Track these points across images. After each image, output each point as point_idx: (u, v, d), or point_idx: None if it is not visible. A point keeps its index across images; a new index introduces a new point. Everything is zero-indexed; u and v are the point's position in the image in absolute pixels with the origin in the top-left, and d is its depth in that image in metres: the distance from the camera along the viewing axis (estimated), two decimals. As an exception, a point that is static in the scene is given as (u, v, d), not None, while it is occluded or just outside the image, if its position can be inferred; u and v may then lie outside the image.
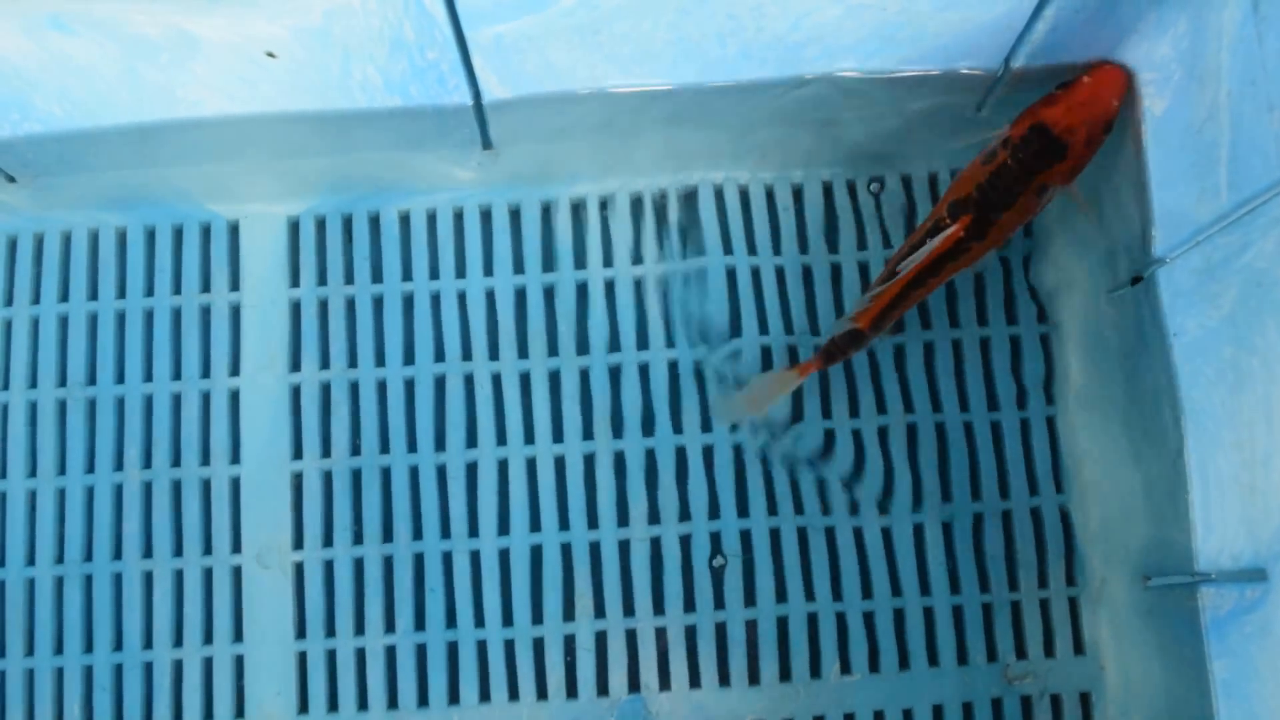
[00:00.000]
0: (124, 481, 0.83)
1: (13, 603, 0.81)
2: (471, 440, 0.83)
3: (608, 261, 0.85)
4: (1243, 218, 0.63)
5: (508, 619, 0.81)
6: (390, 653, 0.81)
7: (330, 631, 0.81)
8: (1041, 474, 0.83)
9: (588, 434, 0.83)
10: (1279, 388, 0.62)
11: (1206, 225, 0.66)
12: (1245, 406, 0.64)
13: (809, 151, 0.85)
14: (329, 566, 0.82)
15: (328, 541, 0.82)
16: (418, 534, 0.82)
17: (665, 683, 0.81)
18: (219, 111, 0.75)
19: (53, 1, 0.65)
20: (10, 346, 0.84)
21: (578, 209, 0.86)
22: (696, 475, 0.82)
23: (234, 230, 0.86)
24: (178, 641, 0.81)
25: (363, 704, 0.81)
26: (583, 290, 0.85)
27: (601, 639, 0.81)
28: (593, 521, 0.82)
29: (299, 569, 0.82)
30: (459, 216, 0.86)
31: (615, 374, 0.84)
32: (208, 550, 0.82)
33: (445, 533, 0.82)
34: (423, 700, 0.81)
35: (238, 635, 0.81)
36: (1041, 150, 0.71)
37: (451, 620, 0.81)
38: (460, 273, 0.85)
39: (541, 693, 0.81)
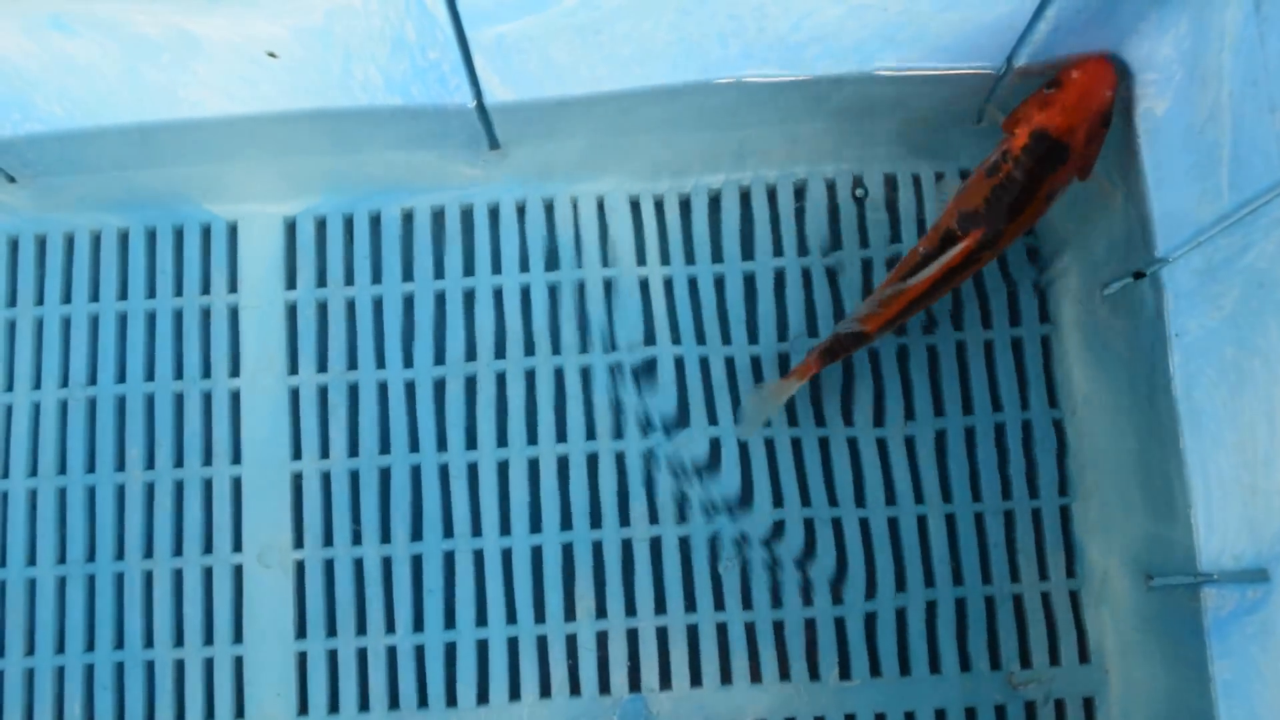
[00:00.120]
0: (125, 481, 0.83)
1: (13, 602, 0.81)
2: (471, 441, 0.83)
3: (610, 261, 0.85)
4: (1244, 218, 0.63)
5: (511, 618, 0.81)
6: (391, 653, 0.81)
7: (331, 631, 0.81)
8: (1044, 474, 0.83)
9: (589, 435, 0.83)
10: (1280, 388, 0.62)
11: (1208, 226, 0.66)
12: (1247, 407, 0.64)
13: (811, 151, 0.85)
14: (329, 566, 0.82)
15: (328, 541, 0.82)
16: (417, 534, 0.82)
17: (666, 682, 0.81)
18: (220, 111, 0.75)
19: (53, 1, 0.65)
20: (13, 347, 0.84)
21: (579, 207, 0.86)
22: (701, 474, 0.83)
23: (233, 231, 0.86)
24: (178, 641, 0.81)
25: (363, 704, 0.81)
26: (582, 289, 0.85)
27: (603, 638, 0.81)
28: (595, 521, 0.82)
29: (299, 568, 0.82)
30: (466, 215, 0.86)
31: (615, 373, 0.84)
32: (208, 550, 0.82)
33: (448, 532, 0.82)
34: (422, 701, 0.81)
35: (238, 635, 0.81)
36: (1044, 157, 0.71)
37: (451, 621, 0.81)
38: (469, 270, 0.85)
39: (544, 691, 0.81)
